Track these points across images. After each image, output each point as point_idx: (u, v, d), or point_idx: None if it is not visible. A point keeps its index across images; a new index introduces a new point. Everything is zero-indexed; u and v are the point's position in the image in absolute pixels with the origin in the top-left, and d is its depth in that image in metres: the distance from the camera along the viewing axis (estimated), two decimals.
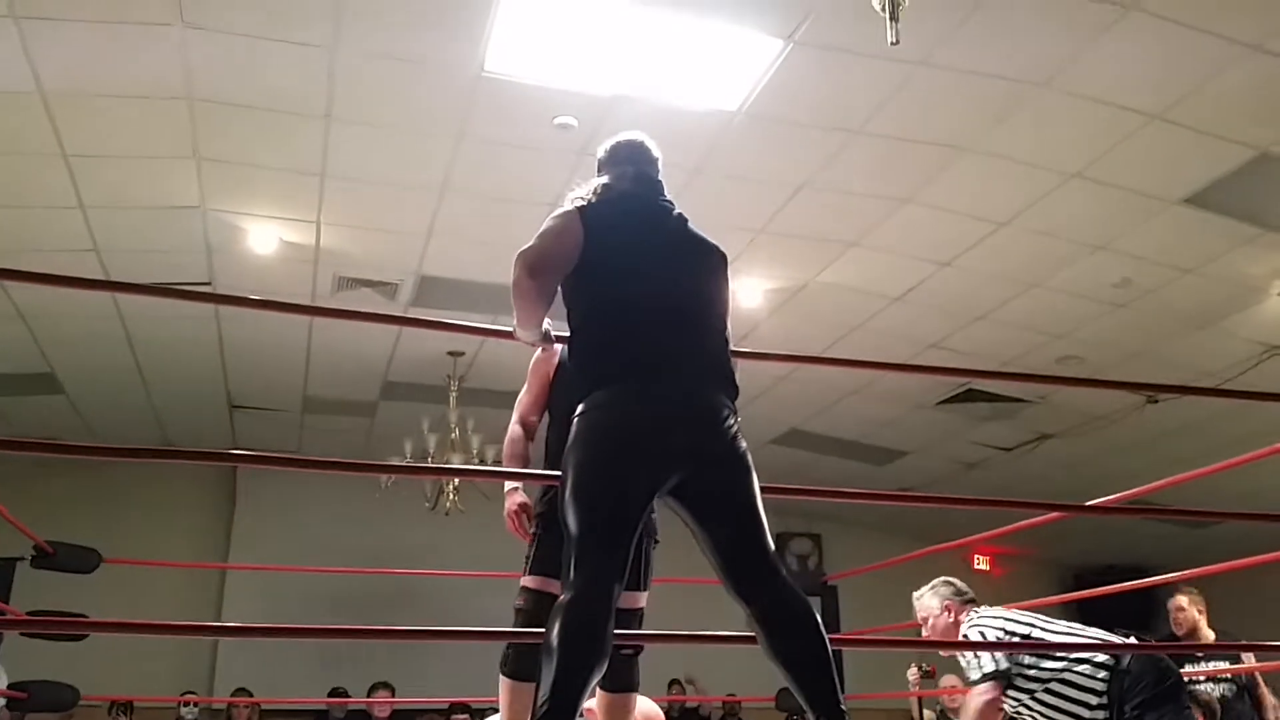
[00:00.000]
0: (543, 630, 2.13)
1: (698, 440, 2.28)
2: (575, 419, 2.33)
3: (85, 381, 7.94)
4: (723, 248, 2.61)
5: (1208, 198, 5.31)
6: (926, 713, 7.34)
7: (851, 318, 6.85)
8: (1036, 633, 3.65)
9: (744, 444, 2.33)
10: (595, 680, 2.07)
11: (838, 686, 2.15)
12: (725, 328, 2.50)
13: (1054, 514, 4.01)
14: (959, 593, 3.90)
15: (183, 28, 4.26)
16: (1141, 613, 10.51)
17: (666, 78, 4.67)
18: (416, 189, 5.52)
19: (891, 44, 3.08)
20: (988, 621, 3.72)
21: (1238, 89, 4.52)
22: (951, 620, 3.84)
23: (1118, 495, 4.30)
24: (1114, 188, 5.29)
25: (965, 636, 3.70)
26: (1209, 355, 6.91)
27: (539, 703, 2.01)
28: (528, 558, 3.12)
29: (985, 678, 3.51)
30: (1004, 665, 3.55)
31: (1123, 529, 10.02)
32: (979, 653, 3.57)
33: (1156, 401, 7.49)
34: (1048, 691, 3.54)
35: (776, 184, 5.44)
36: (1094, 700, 3.48)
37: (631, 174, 2.63)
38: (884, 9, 3.27)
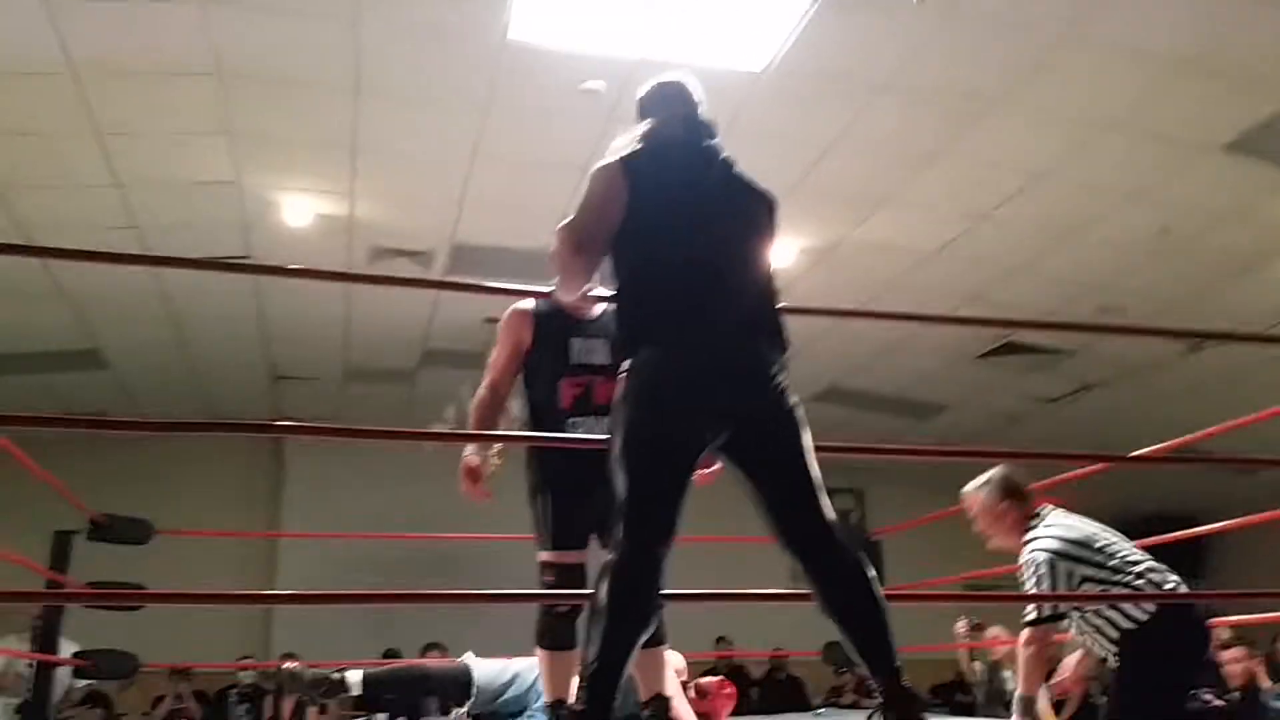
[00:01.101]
0: (589, 592, 2.15)
1: (745, 396, 2.26)
2: (623, 378, 2.32)
3: (129, 357, 8.08)
4: (771, 193, 2.54)
5: (1246, 143, 5.22)
6: (976, 664, 7.37)
7: (887, 274, 6.80)
8: (1102, 545, 3.41)
9: (794, 399, 2.30)
10: (643, 639, 2.09)
11: (892, 641, 2.16)
12: (772, 280, 2.46)
13: (1098, 465, 3.93)
14: (1009, 492, 3.63)
15: (209, 2, 4.29)
16: (1191, 561, 10.47)
17: (693, 39, 4.63)
18: (447, 158, 5.54)
19: (917, 1, 3.04)
20: (1050, 544, 3.41)
21: (1272, 33, 4.42)
22: (1009, 523, 3.60)
23: (1162, 444, 4.27)
24: (1151, 136, 5.21)
25: (1027, 560, 3.44)
26: (1251, 302, 6.81)
27: (587, 662, 2.04)
28: (539, 533, 3.13)
29: (1033, 623, 3.36)
30: (1057, 608, 3.37)
31: (1170, 478, 9.94)
32: (1038, 583, 3.35)
33: (1201, 349, 7.39)
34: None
35: (807, 143, 5.40)
36: (1115, 634, 3.35)
37: (677, 117, 2.54)
38: None
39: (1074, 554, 3.39)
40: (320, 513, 8.81)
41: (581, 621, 2.39)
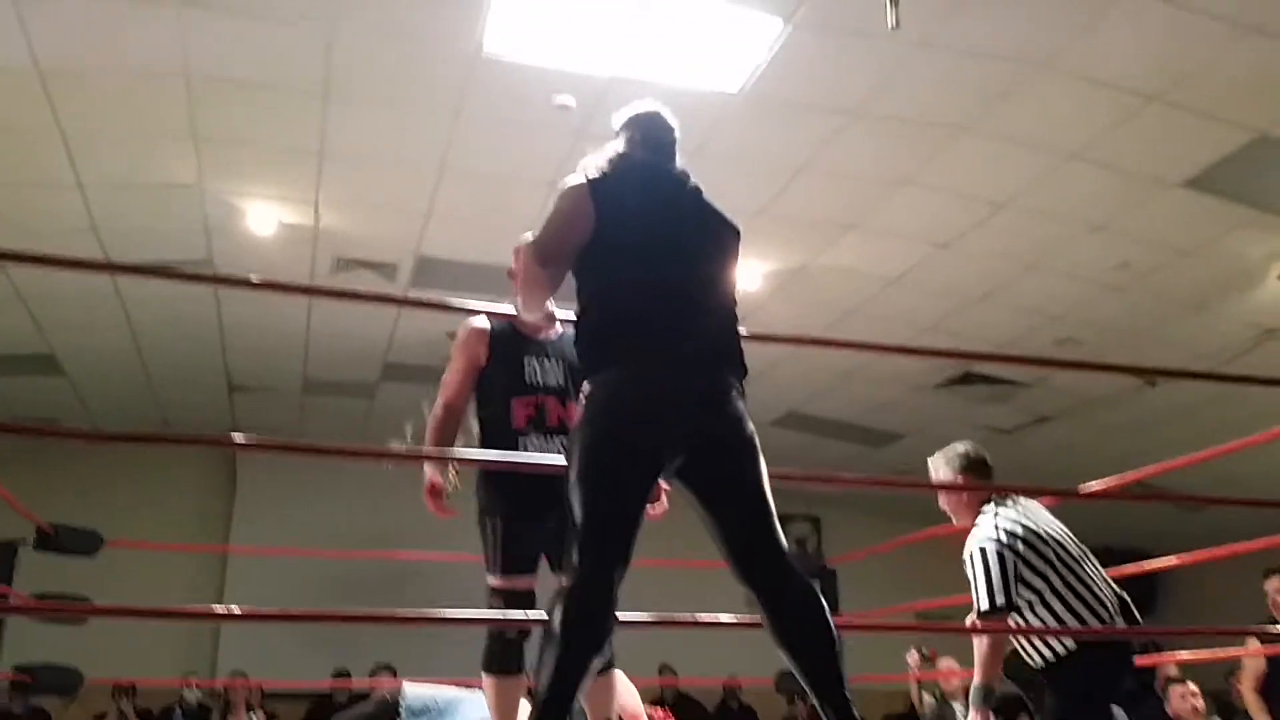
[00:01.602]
0: (540, 617, 2.13)
1: (704, 422, 2.26)
2: (583, 400, 2.32)
3: (85, 362, 7.94)
4: (736, 222, 2.56)
5: (1207, 180, 5.31)
6: (926, 696, 7.37)
7: (851, 300, 6.85)
8: (1052, 543, 3.36)
9: (751, 426, 2.31)
10: (597, 666, 2.07)
11: (843, 672, 2.16)
12: (734, 306, 2.47)
13: (1048, 499, 3.98)
14: (972, 466, 3.58)
15: (180, 5, 4.25)
16: (1141, 596, 10.57)
17: (667, 58, 4.66)
18: (415, 169, 5.51)
19: (892, 28, 3.07)
20: (1001, 534, 3.34)
21: (1237, 71, 4.52)
22: (966, 499, 3.55)
23: (1114, 478, 4.31)
24: (1114, 170, 5.29)
25: (972, 551, 3.38)
26: (1207, 338, 6.91)
27: (539, 688, 2.02)
28: (488, 558, 3.10)
29: (986, 614, 3.29)
30: (1010, 595, 3.27)
31: (1120, 512, 10.04)
32: (986, 574, 3.30)
33: (1155, 385, 7.49)
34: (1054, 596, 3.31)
35: (776, 166, 5.43)
36: (1048, 654, 3.32)
37: (649, 143, 2.56)
38: None
39: (1020, 549, 3.33)
40: (273, 528, 8.69)
41: (531, 646, 2.36)
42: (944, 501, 3.67)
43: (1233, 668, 7.46)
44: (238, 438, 3.66)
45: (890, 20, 3.31)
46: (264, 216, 5.93)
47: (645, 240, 2.38)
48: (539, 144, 5.19)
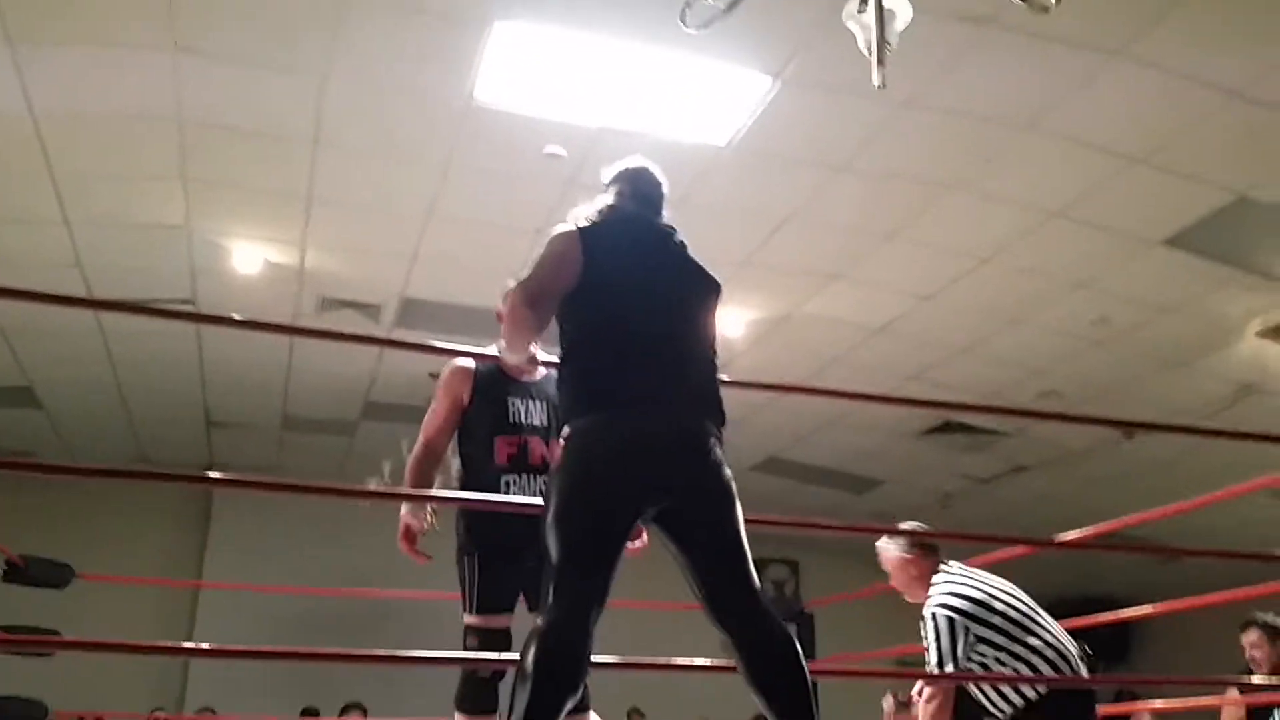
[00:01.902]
0: (513, 657, 2.15)
1: (683, 469, 2.30)
2: (563, 442, 2.34)
3: (63, 396, 7.89)
4: (717, 278, 2.61)
5: (1187, 239, 5.39)
6: None
7: (833, 349, 6.89)
8: (1001, 607, 3.48)
9: (729, 474, 2.35)
10: (570, 705, 2.08)
11: (816, 717, 2.18)
12: (714, 356, 2.51)
13: (1022, 549, 4.06)
14: (919, 544, 3.73)
15: (175, 52, 4.27)
16: (1115, 645, 10.58)
17: (656, 111, 4.70)
18: (402, 214, 5.53)
19: (878, 88, 3.12)
20: (950, 600, 3.50)
21: (1218, 134, 4.60)
22: (917, 574, 3.69)
23: (1090, 529, 4.34)
24: (1096, 228, 5.36)
25: (924, 617, 3.52)
26: (1185, 393, 6.98)
27: None
28: (464, 595, 3.11)
29: (934, 678, 3.42)
30: (956, 659, 3.39)
31: (1095, 562, 10.08)
32: (938, 637, 3.43)
33: (1133, 437, 7.55)
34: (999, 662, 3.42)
35: (762, 217, 5.48)
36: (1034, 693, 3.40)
37: (637, 197, 2.62)
38: (870, 51, 3.29)
39: (972, 613, 3.46)
40: (246, 564, 8.61)
41: (505, 686, 2.37)
42: (897, 580, 3.79)
43: (1213, 717, 7.48)
44: (213, 474, 3.66)
45: (876, 80, 3.35)
46: (250, 256, 5.92)
47: (630, 289, 2.43)
48: (528, 192, 5.22)
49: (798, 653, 2.22)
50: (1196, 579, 7.00)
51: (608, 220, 2.54)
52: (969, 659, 3.44)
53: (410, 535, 3.14)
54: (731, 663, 2.27)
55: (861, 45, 3.51)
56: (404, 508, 3.18)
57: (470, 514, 3.15)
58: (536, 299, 2.39)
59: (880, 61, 3.45)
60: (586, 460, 2.27)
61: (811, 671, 2.29)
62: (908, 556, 3.73)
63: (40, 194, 5.21)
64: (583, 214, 2.55)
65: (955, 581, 3.59)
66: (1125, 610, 4.76)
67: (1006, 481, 8.86)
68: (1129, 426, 7.30)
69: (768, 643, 2.23)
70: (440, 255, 5.90)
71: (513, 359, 2.64)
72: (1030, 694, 3.39)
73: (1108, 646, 10.29)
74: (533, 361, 2.67)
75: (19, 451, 8.62)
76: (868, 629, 8.09)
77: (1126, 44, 4.13)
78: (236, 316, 3.60)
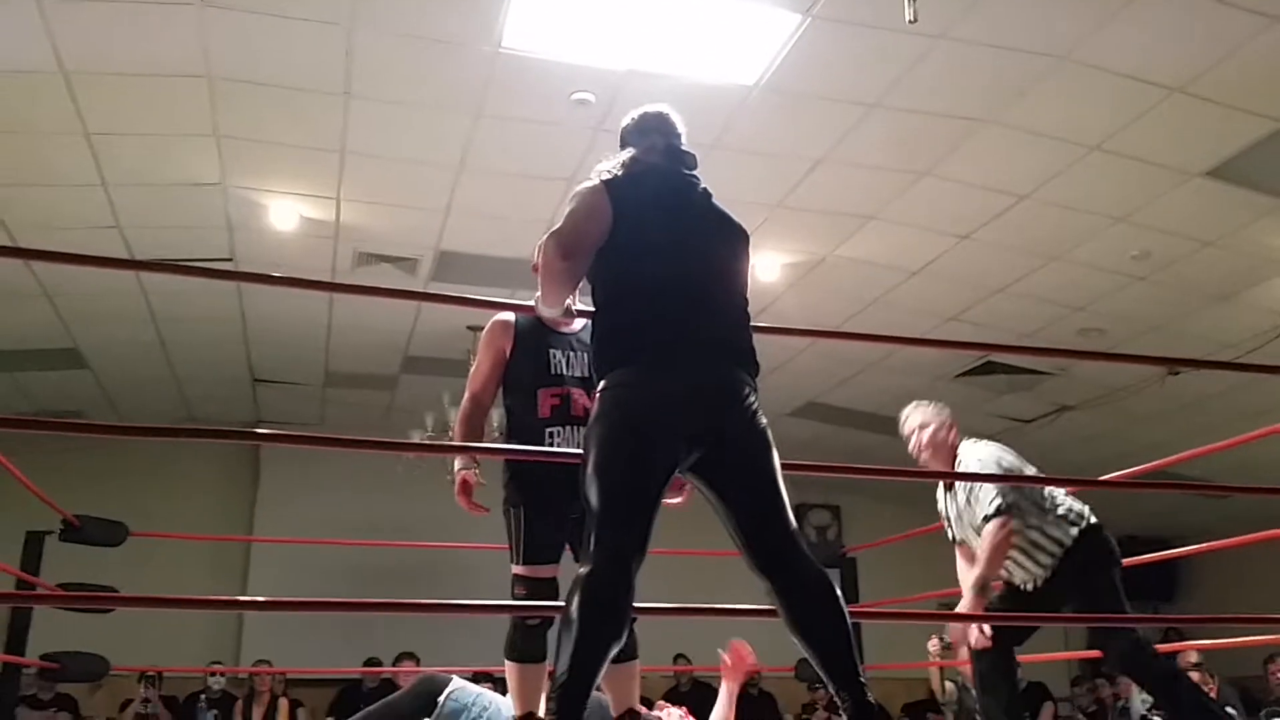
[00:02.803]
0: (559, 605, 2.17)
1: (718, 417, 2.31)
2: (598, 395, 2.37)
3: (109, 356, 8.02)
4: (744, 225, 2.62)
5: (1228, 170, 5.28)
6: (948, 684, 7.38)
7: (870, 291, 6.84)
8: (1030, 470, 3.90)
9: (764, 420, 2.36)
10: (614, 652, 2.11)
11: (858, 660, 2.20)
12: (746, 304, 2.52)
13: (1068, 487, 4.06)
14: (954, 420, 4.08)
15: (202, 6, 4.28)
16: (1164, 584, 10.53)
17: (684, 52, 4.65)
18: (435, 165, 5.54)
19: (909, 22, 3.07)
20: (992, 450, 3.90)
21: (1259, 61, 4.48)
22: (946, 438, 4.02)
23: (1136, 468, 4.31)
24: (1135, 160, 5.26)
25: (967, 463, 3.88)
26: (1229, 327, 6.88)
27: (558, 673, 2.06)
28: (511, 546, 3.14)
29: (1000, 511, 3.71)
30: (1011, 497, 3.76)
31: (1142, 501, 10.01)
32: (987, 484, 3.77)
33: (1177, 374, 7.46)
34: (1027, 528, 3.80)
35: (794, 158, 5.43)
36: (1058, 550, 3.78)
37: (660, 147, 2.60)
38: None
39: (1013, 466, 3.88)
40: (295, 518, 8.76)
41: (552, 634, 2.40)
42: (925, 438, 4.05)
43: (1272, 653, 7.44)
44: (261, 431, 3.72)
45: (908, 14, 3.31)
46: (286, 212, 5.97)
47: (658, 240, 2.43)
48: (558, 139, 5.20)
49: (837, 596, 2.23)
50: (1245, 516, 6.95)
51: (631, 173, 2.53)
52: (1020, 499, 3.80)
53: (467, 489, 3.17)
54: (774, 608, 2.29)
55: None
56: (457, 463, 3.21)
57: (515, 466, 3.18)
58: (571, 250, 2.40)
59: None
60: (621, 413, 2.29)
61: (855, 615, 2.31)
62: (944, 426, 4.03)
63: (76, 155, 5.26)
64: (606, 167, 2.55)
65: (987, 444, 3.98)
66: (1169, 551, 4.73)
67: (1049, 422, 8.79)
68: (1173, 364, 7.22)
69: (807, 587, 2.24)
70: (474, 206, 5.91)
71: (548, 312, 2.64)
72: (1067, 538, 3.70)
73: (1155, 586, 10.26)
74: (569, 314, 2.67)
75: (68, 412, 8.79)
76: (911, 572, 8.10)
77: None
78: (276, 274, 3.64)
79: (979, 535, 3.82)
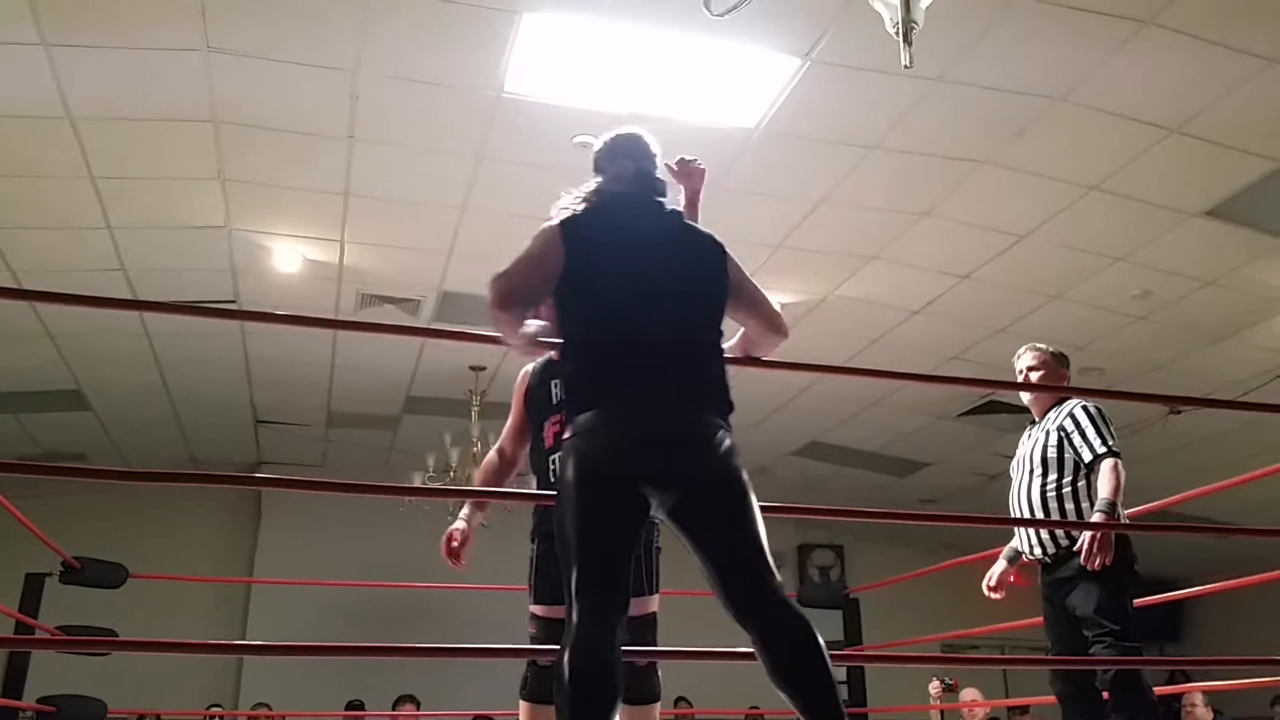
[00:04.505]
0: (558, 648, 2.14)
1: (687, 462, 2.24)
2: (564, 443, 2.32)
3: (112, 398, 8.03)
4: (717, 236, 2.54)
5: (1227, 210, 5.31)
6: None
7: (872, 331, 6.86)
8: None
9: (738, 462, 2.28)
10: (614, 714, 2.06)
11: (841, 707, 2.11)
12: (718, 338, 2.45)
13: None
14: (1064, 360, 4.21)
15: (208, 53, 4.33)
16: (1165, 624, 10.46)
17: (685, 95, 4.70)
18: (438, 207, 5.58)
19: (905, 67, 3.10)
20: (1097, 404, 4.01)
21: (1255, 102, 4.52)
22: (1056, 395, 4.08)
23: (1137, 508, 4.30)
24: (1133, 200, 5.29)
25: (1087, 409, 3.93)
26: (1230, 367, 6.89)
27: None
28: (531, 585, 3.14)
29: (1113, 452, 3.81)
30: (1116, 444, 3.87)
31: (1146, 540, 9.97)
32: (1103, 422, 3.86)
33: (1179, 413, 7.45)
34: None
35: (795, 199, 5.46)
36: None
37: (629, 173, 2.56)
38: (897, 32, 3.27)
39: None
40: (296, 559, 8.75)
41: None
42: (1042, 376, 4.18)
43: (1278, 694, 7.39)
44: (261, 475, 3.72)
45: (904, 59, 3.33)
46: (290, 255, 6.00)
47: (619, 277, 2.38)
48: (560, 182, 5.17)
49: (818, 642, 2.13)
50: (1249, 554, 6.91)
51: (594, 206, 2.48)
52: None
53: (450, 540, 3.16)
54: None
55: (888, 26, 3.49)
56: (460, 514, 3.22)
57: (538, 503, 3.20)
58: (504, 300, 2.36)
59: (907, 41, 3.43)
60: (578, 467, 2.24)
61: (857, 657, 2.26)
62: (1061, 369, 4.17)
63: (81, 198, 5.30)
64: (565, 203, 2.51)
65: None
66: (1175, 592, 4.71)
67: None
68: (1174, 402, 7.22)
69: (787, 636, 2.14)
70: (476, 248, 5.94)
71: (513, 352, 2.65)
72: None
73: (1160, 627, 10.20)
74: (536, 345, 2.66)
75: (71, 454, 8.80)
76: (913, 613, 8.07)
77: (1155, 12, 4.08)
78: (278, 312, 3.65)
79: (1043, 472, 3.96)
